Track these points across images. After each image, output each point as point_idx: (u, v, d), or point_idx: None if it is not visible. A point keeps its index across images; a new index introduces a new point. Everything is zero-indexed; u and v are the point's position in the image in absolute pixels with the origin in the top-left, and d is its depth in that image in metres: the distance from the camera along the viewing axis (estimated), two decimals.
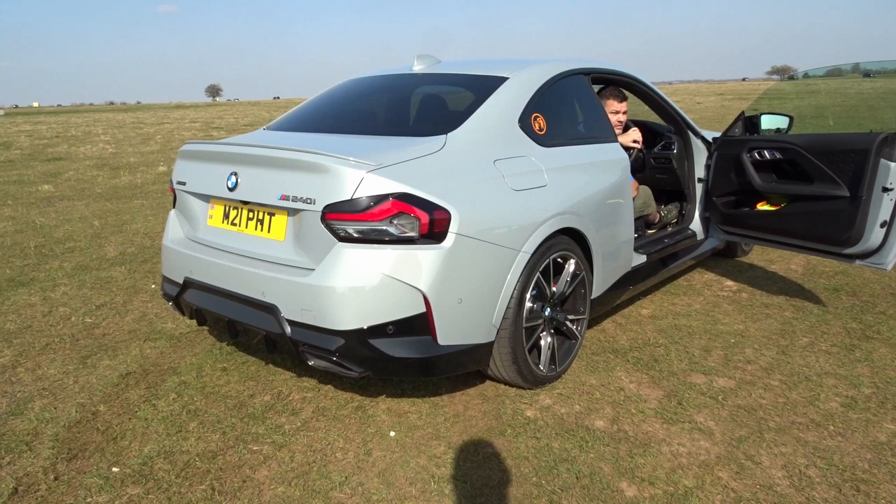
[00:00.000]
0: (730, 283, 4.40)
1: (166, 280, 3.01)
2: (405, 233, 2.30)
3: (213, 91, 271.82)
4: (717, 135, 4.30)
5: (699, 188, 4.33)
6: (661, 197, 4.45)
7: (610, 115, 3.76)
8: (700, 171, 4.30)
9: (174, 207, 3.06)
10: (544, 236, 2.68)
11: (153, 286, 4.48)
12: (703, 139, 4.25)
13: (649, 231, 4.25)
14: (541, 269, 2.72)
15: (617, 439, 2.47)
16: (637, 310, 3.89)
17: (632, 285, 3.53)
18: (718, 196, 4.12)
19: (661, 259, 3.86)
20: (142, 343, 3.47)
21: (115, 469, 2.33)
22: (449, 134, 2.62)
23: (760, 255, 5.05)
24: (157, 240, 5.95)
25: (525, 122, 2.86)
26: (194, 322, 3.63)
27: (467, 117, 2.72)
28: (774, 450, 2.39)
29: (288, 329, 2.42)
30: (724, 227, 4.12)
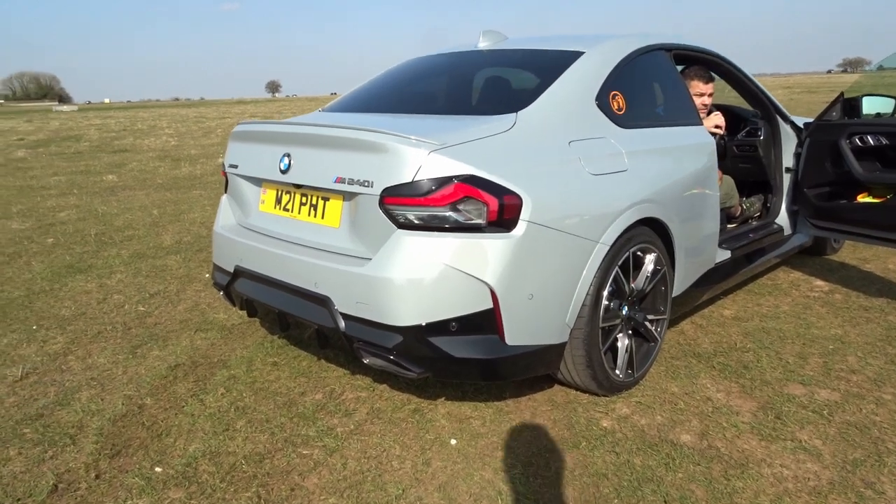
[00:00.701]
0: (820, 282, 4.00)
1: (217, 268, 2.86)
2: (471, 219, 2.07)
3: (273, 87, 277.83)
4: (809, 120, 3.91)
5: (787, 178, 3.94)
6: (743, 188, 4.08)
7: (693, 98, 3.42)
8: (788, 160, 3.92)
9: (226, 192, 2.91)
10: (624, 226, 2.40)
11: (207, 275, 4.38)
12: (793, 125, 3.86)
13: (730, 225, 3.89)
14: (619, 264, 2.44)
15: (708, 457, 2.17)
16: (718, 310, 3.55)
17: (714, 283, 3.20)
18: (810, 187, 3.74)
19: (746, 255, 3.51)
20: (192, 333, 3.35)
21: (157, 469, 2.18)
22: (519, 112, 2.36)
23: (852, 253, 4.59)
24: (212, 229, 5.90)
25: (603, 101, 2.58)
26: (240, 311, 3.50)
27: (539, 94, 2.46)
28: None
29: (342, 323, 2.22)
30: (816, 221, 3.73)
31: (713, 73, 3.55)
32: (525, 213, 2.10)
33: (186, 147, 15.05)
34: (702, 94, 3.50)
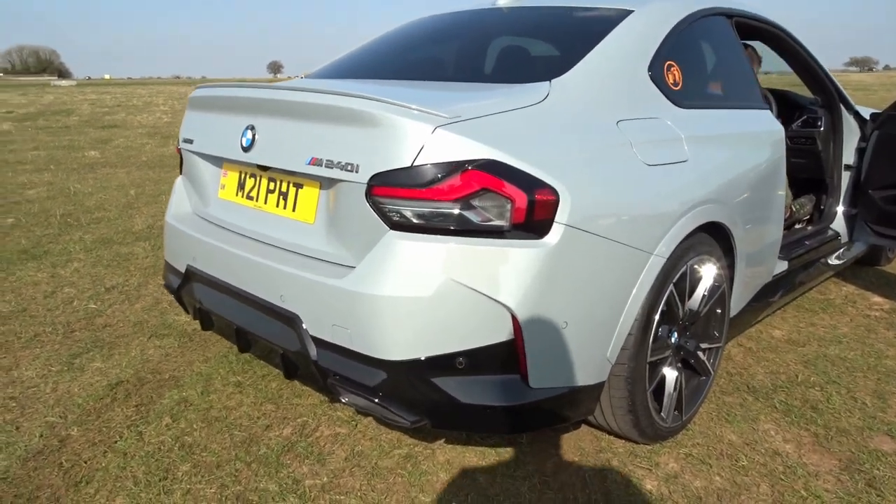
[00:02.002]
0: (878, 299, 3.46)
1: (169, 267, 2.32)
2: (490, 220, 1.52)
3: (275, 68, 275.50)
4: (877, 111, 3.36)
5: (845, 177, 3.41)
6: (792, 187, 3.53)
7: None
8: (850, 157, 3.38)
9: (181, 173, 2.36)
10: (685, 233, 1.86)
11: None
12: (858, 115, 3.32)
13: None
14: (675, 280, 1.90)
15: None
16: (767, 330, 3.01)
17: (771, 300, 2.67)
18: (876, 188, 3.20)
19: (804, 266, 2.98)
20: (146, 340, 2.81)
21: None
22: (554, 80, 1.81)
23: None
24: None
25: (657, 72, 2.03)
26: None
27: (579, 59, 1.91)
28: None
29: (313, 351, 1.69)
30: (880, 227, 3.21)
31: (775, 51, 3.00)
32: (562, 215, 1.56)
33: (179, 124, 14.40)
34: None
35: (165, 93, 34.30)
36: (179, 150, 2.29)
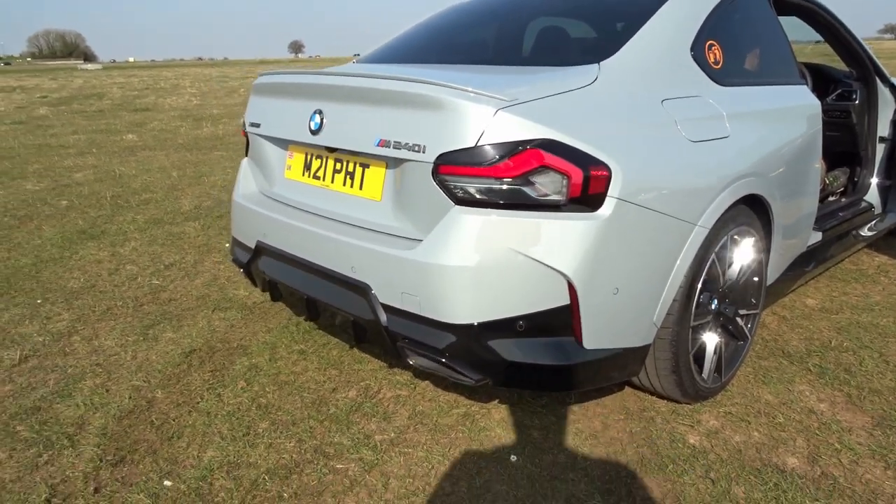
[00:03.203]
0: None
1: (237, 243, 2.50)
2: (548, 195, 1.66)
3: (296, 47, 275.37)
4: None
5: (880, 150, 3.46)
6: (826, 159, 3.59)
7: None
8: (884, 129, 3.43)
9: (247, 155, 2.52)
10: (726, 205, 1.98)
11: (227, 245, 4.04)
12: (893, 88, 3.36)
13: None
14: (716, 250, 2.02)
15: (827, 490, 1.78)
16: (801, 299, 3.12)
17: (806, 270, 2.77)
18: None
19: (838, 237, 3.06)
20: (210, 313, 3.01)
21: (167, 483, 1.85)
22: (602, 63, 1.93)
23: None
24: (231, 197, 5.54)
25: (698, 52, 2.13)
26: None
27: (625, 42, 2.02)
28: None
29: (383, 317, 1.85)
30: None
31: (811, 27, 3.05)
32: (614, 189, 1.69)
33: (209, 106, 14.67)
34: None
35: (190, 75, 34.65)
36: (245, 133, 2.45)
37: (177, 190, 5.76)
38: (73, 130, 10.30)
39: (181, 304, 3.13)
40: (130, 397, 2.30)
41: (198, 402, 2.26)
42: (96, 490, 1.83)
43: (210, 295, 3.24)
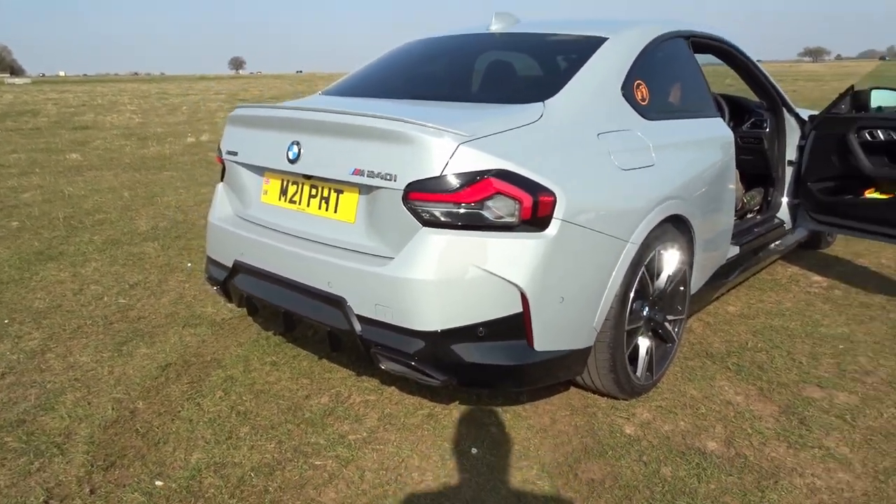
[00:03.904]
0: (818, 278, 3.98)
1: (212, 262, 2.67)
2: (502, 217, 1.93)
3: (237, 64, 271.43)
4: (814, 112, 3.86)
5: (788, 172, 3.90)
6: (743, 181, 4.02)
7: None
8: (791, 153, 3.87)
9: (222, 180, 2.71)
10: (654, 224, 2.30)
11: (189, 265, 4.16)
12: (798, 117, 3.81)
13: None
14: (645, 263, 2.34)
15: (739, 467, 2.10)
16: (723, 307, 3.49)
17: (726, 280, 3.13)
18: (814, 181, 3.69)
19: (753, 251, 3.46)
20: (181, 329, 3.16)
21: (158, 483, 2.01)
22: (546, 101, 2.23)
23: (845, 247, 4.60)
24: (189, 214, 5.64)
25: (628, 91, 2.46)
26: (238, 308, 3.31)
27: (565, 83, 2.33)
28: None
29: (358, 327, 2.07)
30: (818, 216, 3.69)
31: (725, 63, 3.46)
32: (559, 212, 1.98)
33: (152, 125, 14.50)
34: None
35: (128, 91, 33.90)
36: (221, 160, 2.64)
37: (131, 210, 5.80)
38: (12, 149, 10.07)
39: (151, 322, 3.26)
40: (113, 408, 2.44)
41: (179, 411, 2.42)
42: (91, 491, 1.98)
43: (178, 312, 3.38)
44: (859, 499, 1.96)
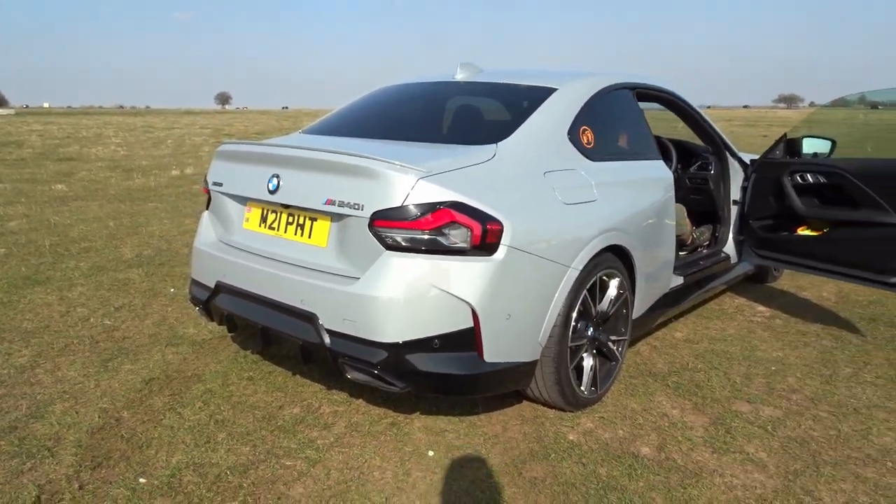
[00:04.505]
0: (762, 308, 4.29)
1: (196, 283, 2.91)
2: (456, 243, 2.21)
3: (223, 99, 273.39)
4: (755, 157, 4.22)
5: (734, 210, 4.24)
6: (693, 218, 4.36)
7: None
8: (736, 194, 4.21)
9: (207, 209, 2.97)
10: (593, 253, 2.58)
11: (172, 290, 4.38)
12: (741, 161, 4.16)
13: (682, 252, 4.15)
14: (587, 287, 2.62)
15: (666, 468, 2.35)
16: (671, 333, 3.78)
17: (669, 307, 3.42)
18: (755, 219, 4.03)
19: (697, 281, 3.76)
20: (163, 348, 3.37)
21: (142, 480, 2.22)
22: (499, 143, 2.53)
23: (791, 281, 4.94)
24: (173, 243, 5.86)
25: (574, 135, 2.78)
26: (217, 328, 3.54)
27: (517, 127, 2.64)
28: (833, 486, 2.27)
29: (327, 339, 2.32)
30: (760, 251, 4.02)
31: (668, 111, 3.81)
32: (506, 239, 2.26)
33: (137, 157, 14.73)
34: None
35: (113, 124, 34.12)
36: (207, 191, 2.90)
37: (116, 239, 6.01)
38: None
39: (135, 341, 3.46)
40: (99, 417, 2.63)
41: (161, 419, 2.63)
42: (80, 487, 2.17)
43: (161, 333, 3.59)
44: (769, 494, 2.22)
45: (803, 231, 3.78)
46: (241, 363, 3.18)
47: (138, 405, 2.74)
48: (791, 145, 3.98)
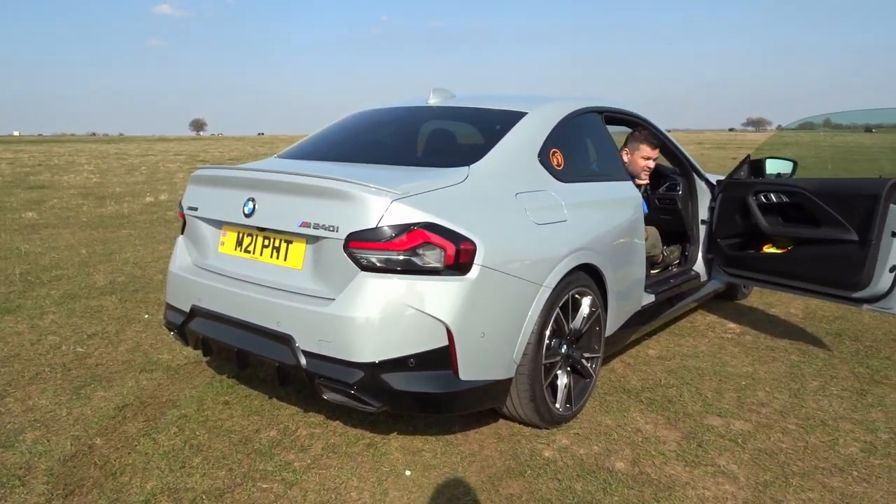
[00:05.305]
0: (732, 325, 4.39)
1: (171, 308, 2.91)
2: (430, 263, 2.25)
3: (198, 125, 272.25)
4: (722, 177, 4.34)
5: (702, 230, 4.34)
6: (664, 237, 4.45)
7: (640, 160, 3.81)
8: (704, 213, 4.32)
9: (182, 233, 2.97)
10: (565, 271, 2.64)
11: (146, 316, 4.34)
12: (707, 181, 4.28)
13: (653, 271, 4.24)
14: (560, 305, 2.67)
15: (640, 482, 2.39)
16: (644, 350, 3.84)
17: (641, 324, 3.49)
18: (723, 238, 4.13)
19: (668, 299, 3.84)
20: (137, 374, 3.34)
21: None
22: (472, 165, 2.59)
23: (760, 299, 5.06)
24: (147, 270, 5.81)
25: (544, 157, 2.85)
26: (192, 353, 3.52)
27: (488, 150, 2.70)
28: (802, 495, 2.33)
29: (303, 360, 2.33)
30: (728, 269, 4.12)
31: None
32: (479, 258, 2.31)
33: (110, 185, 14.60)
34: (648, 158, 3.87)
35: (86, 151, 33.79)
36: (182, 215, 2.91)
37: (88, 266, 5.94)
38: None
39: (108, 368, 3.42)
40: (72, 444, 2.60)
41: (135, 446, 2.60)
42: None
43: (135, 359, 3.55)
44: None
45: (769, 249, 3.89)
46: (216, 388, 3.16)
47: (112, 432, 2.71)
48: (755, 166, 4.11)
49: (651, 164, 3.92)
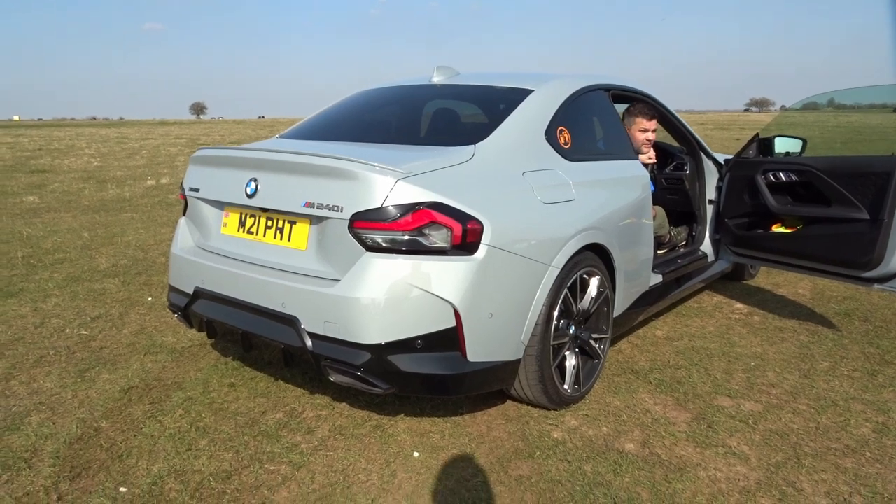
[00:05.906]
0: (740, 305, 4.35)
1: (174, 290, 2.87)
2: (436, 243, 2.21)
3: (198, 109, 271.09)
4: (730, 157, 4.28)
5: (710, 209, 4.29)
6: (671, 217, 4.40)
7: (638, 133, 3.72)
8: (711, 193, 4.27)
9: (184, 215, 2.93)
10: (573, 251, 2.60)
11: (150, 299, 4.32)
12: (715, 161, 4.22)
13: (660, 251, 4.19)
14: (568, 286, 2.64)
15: (651, 463, 2.37)
16: (652, 331, 3.81)
17: (649, 305, 3.45)
18: (730, 218, 4.08)
19: (676, 279, 3.80)
20: (142, 357, 3.32)
21: (122, 489, 2.18)
22: (478, 144, 2.54)
23: (767, 279, 5.01)
24: (150, 252, 5.79)
25: (551, 135, 2.80)
26: (197, 335, 3.50)
27: (494, 128, 2.65)
28: (815, 476, 2.30)
29: (309, 342, 2.30)
30: (736, 248, 4.07)
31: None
32: (486, 238, 2.26)
33: (111, 168, 14.54)
34: (646, 130, 3.79)
35: (86, 135, 33.67)
36: (184, 197, 2.87)
37: (90, 249, 5.92)
38: None
39: (113, 351, 3.41)
40: (77, 427, 2.59)
41: (141, 428, 2.58)
42: (59, 498, 2.13)
43: (139, 342, 3.53)
44: (752, 486, 2.24)
45: (778, 228, 3.84)
46: (221, 370, 3.14)
47: (117, 414, 2.70)
48: (763, 145, 4.04)
49: (650, 135, 3.82)
